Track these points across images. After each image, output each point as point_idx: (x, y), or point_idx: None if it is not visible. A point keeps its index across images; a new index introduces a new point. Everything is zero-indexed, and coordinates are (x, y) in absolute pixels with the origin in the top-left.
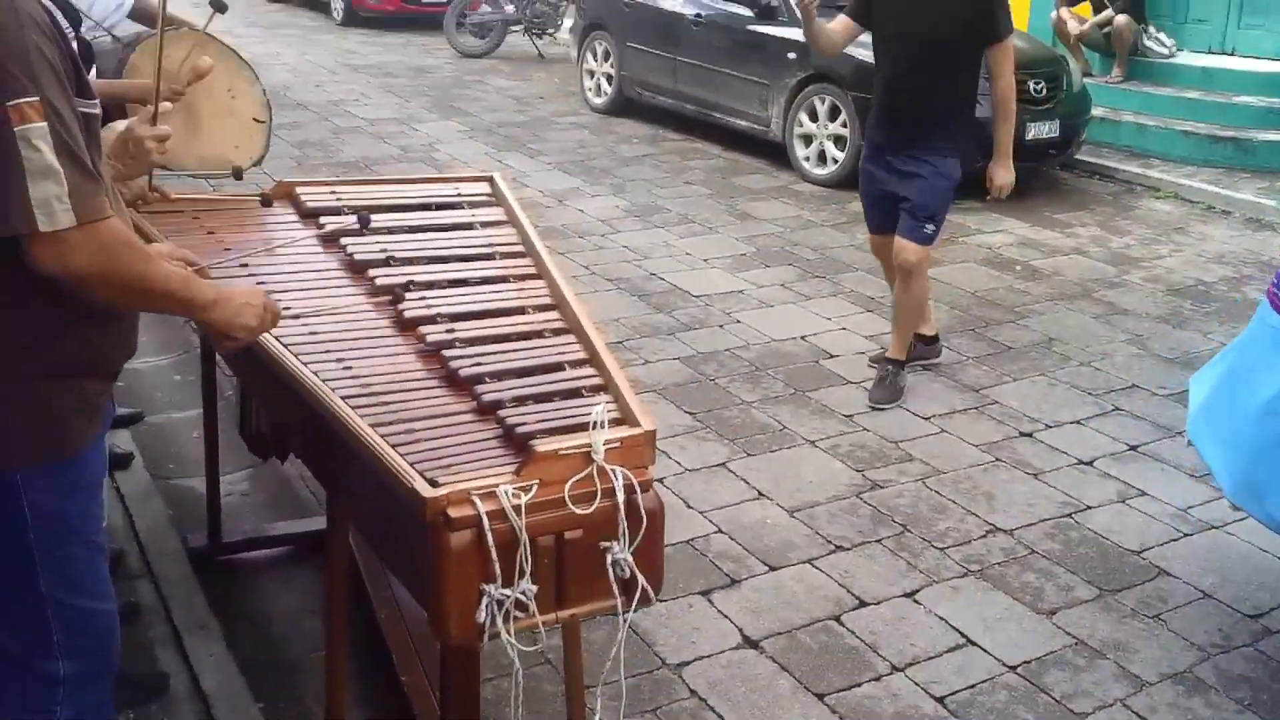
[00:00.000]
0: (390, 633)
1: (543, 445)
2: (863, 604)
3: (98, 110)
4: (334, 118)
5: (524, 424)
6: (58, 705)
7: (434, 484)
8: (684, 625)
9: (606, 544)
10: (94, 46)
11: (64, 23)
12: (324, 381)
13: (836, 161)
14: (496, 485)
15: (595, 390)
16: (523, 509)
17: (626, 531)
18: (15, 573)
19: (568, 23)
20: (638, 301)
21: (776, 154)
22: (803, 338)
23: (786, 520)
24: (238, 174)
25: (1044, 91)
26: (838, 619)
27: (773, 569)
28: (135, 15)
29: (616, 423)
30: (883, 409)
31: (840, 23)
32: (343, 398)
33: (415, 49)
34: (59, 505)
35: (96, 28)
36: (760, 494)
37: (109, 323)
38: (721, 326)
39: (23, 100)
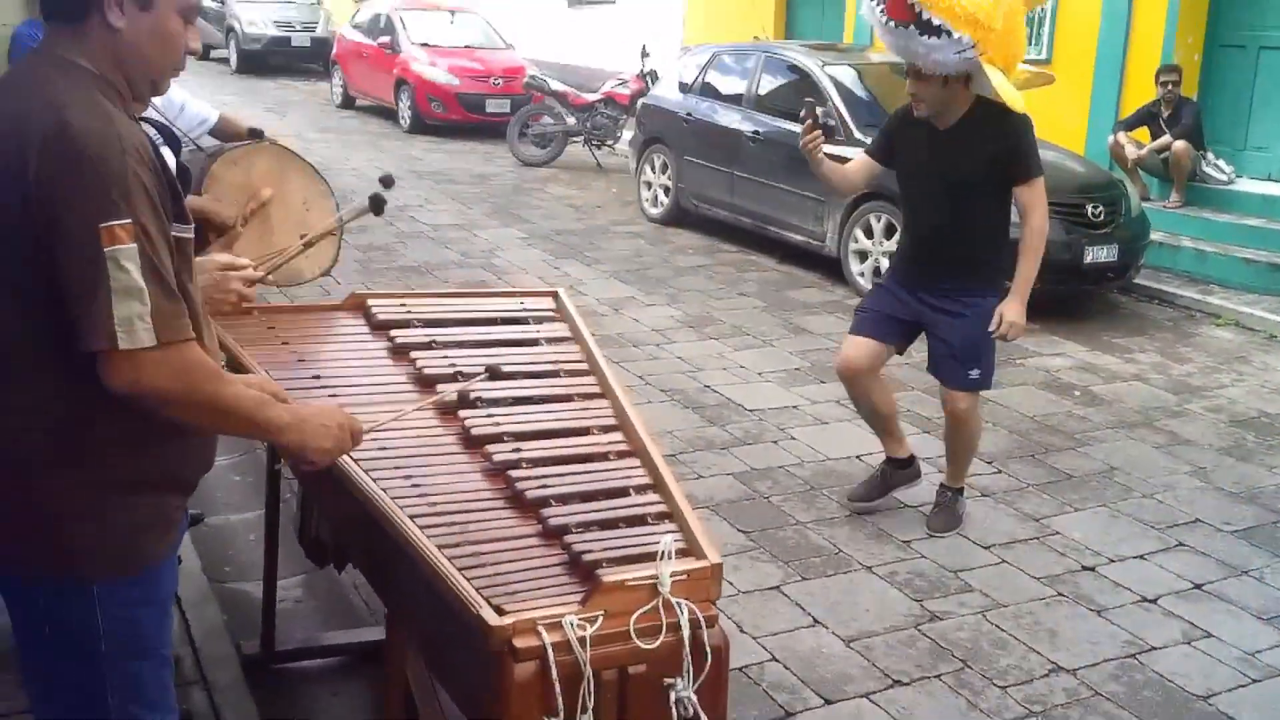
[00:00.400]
0: None
1: (609, 575)
2: None
3: (190, 235)
4: (398, 222)
5: (590, 551)
6: None
7: (500, 612)
8: None
9: (670, 681)
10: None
11: (166, 147)
12: (392, 498)
13: None
14: (562, 616)
15: (660, 518)
16: (588, 641)
17: (691, 668)
18: (83, 684)
19: (626, 135)
20: (691, 414)
21: (831, 269)
22: (858, 457)
23: (842, 650)
24: (308, 244)
25: (1102, 215)
26: None
27: (828, 702)
28: (216, 133)
29: (682, 553)
30: (942, 537)
31: (860, 161)
32: (410, 516)
33: (478, 156)
34: (133, 618)
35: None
36: (815, 621)
37: (189, 439)
38: (775, 442)
39: (115, 222)
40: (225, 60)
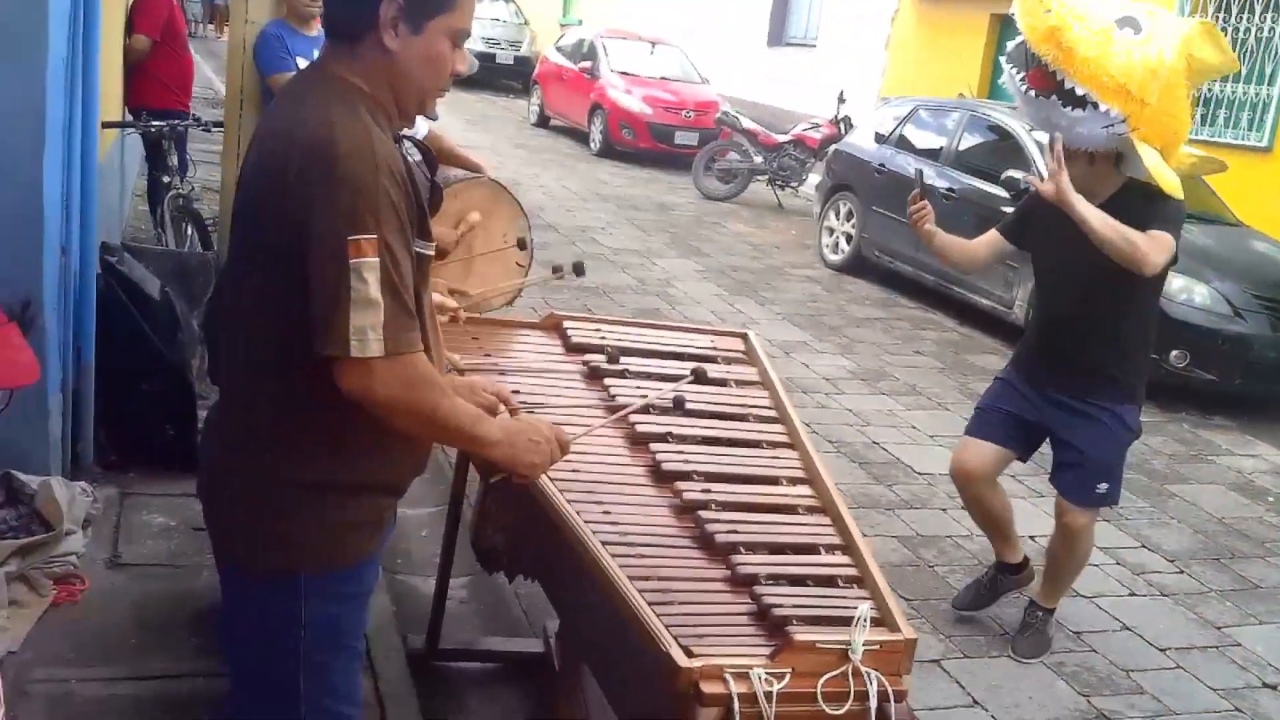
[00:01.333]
0: None
1: (801, 634)
2: None
3: (431, 252)
4: (580, 243)
5: (780, 606)
6: None
7: (689, 654)
8: None
9: None
10: None
11: (422, 168)
12: (585, 522)
13: None
14: (751, 667)
15: (851, 581)
16: (774, 697)
17: None
18: (280, 672)
19: (813, 179)
20: (857, 469)
21: (1014, 336)
22: (1031, 537)
23: None
24: (522, 244)
25: None
26: None
27: None
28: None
29: (875, 622)
30: (1027, 663)
31: (989, 238)
32: (603, 543)
33: (662, 185)
34: (334, 611)
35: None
36: (975, 701)
37: (407, 445)
38: (945, 510)
39: (362, 236)
40: None
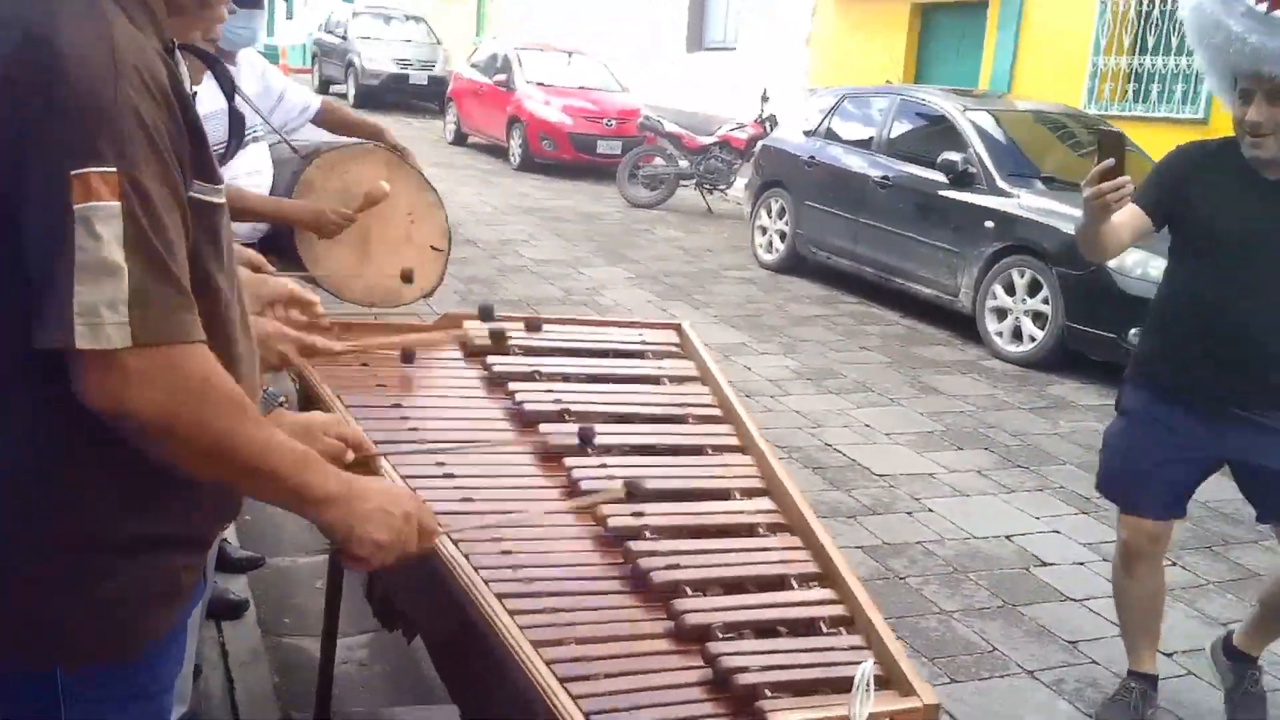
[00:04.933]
0: None
1: (776, 713)
2: None
3: (220, 200)
4: (501, 256)
5: (746, 670)
6: None
7: None
8: None
9: None
10: (271, 154)
11: (213, 81)
12: (477, 568)
13: (1034, 340)
14: None
15: (837, 624)
16: None
17: None
18: None
19: (740, 180)
20: (812, 474)
21: (962, 325)
22: (1008, 537)
23: None
24: (407, 278)
25: None
26: None
27: None
28: (321, 121)
29: (878, 682)
30: (1027, 682)
31: (1128, 214)
32: (499, 595)
33: (586, 195)
34: (119, 716)
35: (272, 134)
36: None
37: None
38: (910, 514)
39: (92, 169)
40: (344, 95)
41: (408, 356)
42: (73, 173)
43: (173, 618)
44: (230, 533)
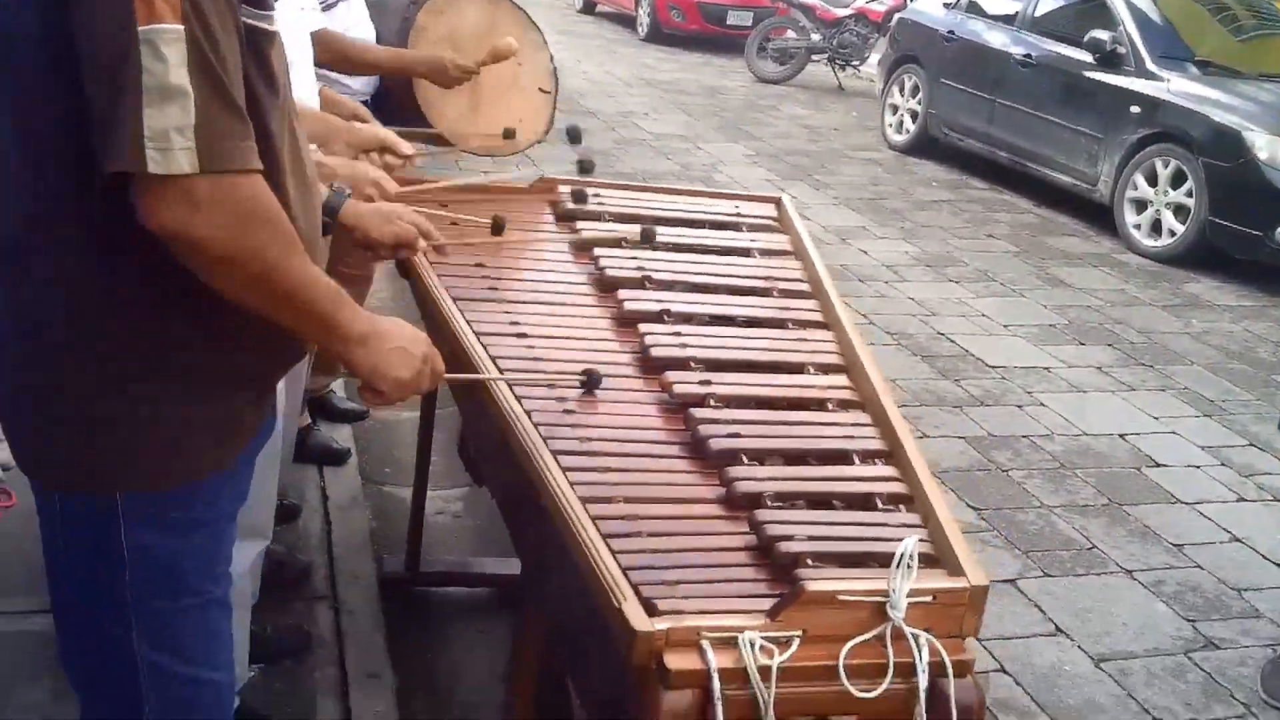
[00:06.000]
0: None
1: (814, 581)
2: None
3: (273, 28)
4: (620, 129)
5: (790, 538)
6: None
7: (651, 610)
8: None
9: None
10: (375, 3)
11: None
12: (536, 424)
13: (1174, 234)
14: (741, 629)
15: (895, 501)
16: (774, 673)
17: None
18: (107, 623)
19: (874, 57)
20: (920, 363)
21: (1099, 217)
22: (1121, 436)
23: (1090, 670)
24: (509, 134)
25: None
26: None
27: None
28: None
29: (927, 561)
30: (1124, 581)
31: None
32: (555, 451)
33: (713, 70)
34: (169, 545)
35: None
36: (1058, 629)
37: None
38: (1020, 407)
39: None
40: None
41: (498, 228)
42: None
43: (234, 452)
44: (337, 384)
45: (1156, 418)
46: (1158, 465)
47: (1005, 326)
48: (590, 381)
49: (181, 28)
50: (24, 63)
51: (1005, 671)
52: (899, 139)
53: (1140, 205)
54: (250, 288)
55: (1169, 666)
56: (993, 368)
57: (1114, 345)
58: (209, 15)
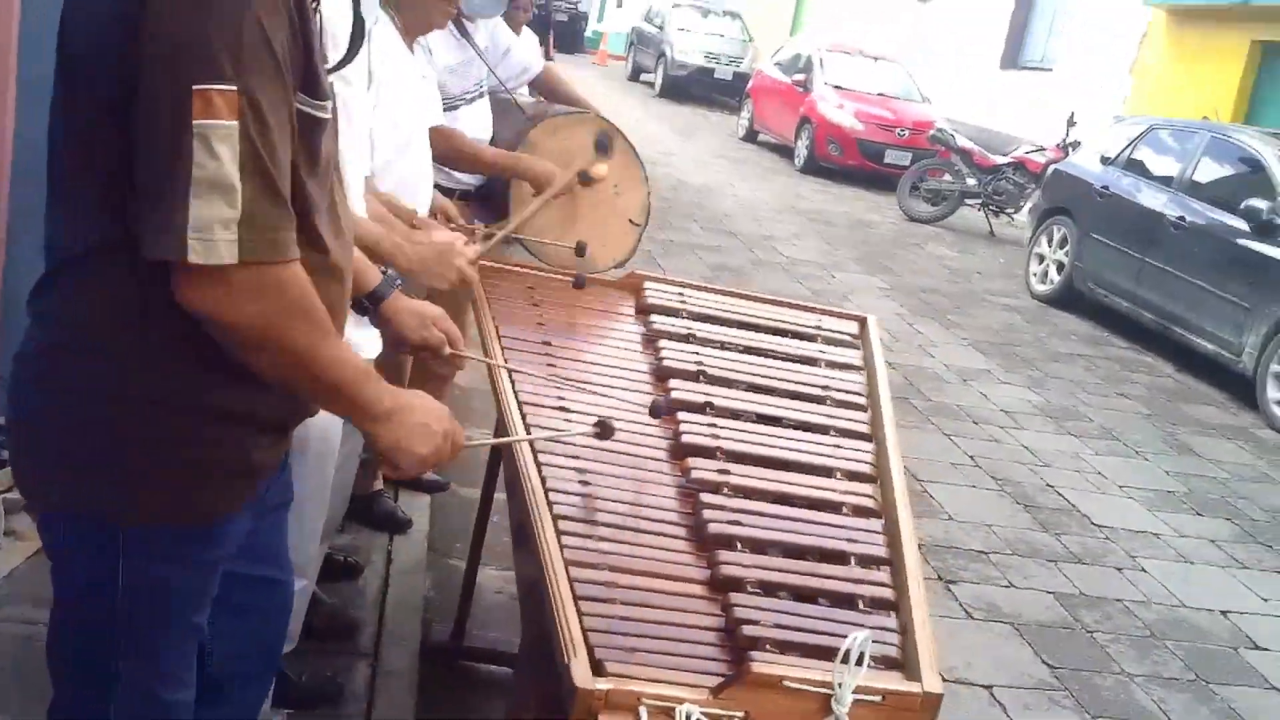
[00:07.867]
0: None
1: (763, 664)
2: None
3: (326, 116)
4: (758, 249)
5: (755, 624)
6: None
7: (599, 670)
8: None
9: None
10: (493, 100)
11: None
12: (548, 491)
13: None
14: (680, 701)
15: (878, 605)
16: None
17: None
18: (90, 636)
19: (1028, 205)
20: (1022, 512)
21: (1241, 389)
22: (1224, 613)
23: None
24: (580, 250)
25: None
26: None
27: None
28: (538, 85)
29: (888, 663)
30: None
31: None
32: (556, 516)
33: (863, 204)
34: (170, 576)
35: (500, 87)
36: None
37: None
38: (1120, 570)
39: (213, 86)
40: (651, 84)
41: (579, 282)
42: (195, 86)
43: (240, 495)
44: None
45: (1265, 599)
46: (1258, 649)
47: (1121, 487)
48: (603, 431)
49: (236, 124)
50: (90, 94)
51: None
52: (1042, 289)
53: None
54: (280, 369)
55: None
56: (1098, 526)
57: (1233, 519)
58: (265, 112)
